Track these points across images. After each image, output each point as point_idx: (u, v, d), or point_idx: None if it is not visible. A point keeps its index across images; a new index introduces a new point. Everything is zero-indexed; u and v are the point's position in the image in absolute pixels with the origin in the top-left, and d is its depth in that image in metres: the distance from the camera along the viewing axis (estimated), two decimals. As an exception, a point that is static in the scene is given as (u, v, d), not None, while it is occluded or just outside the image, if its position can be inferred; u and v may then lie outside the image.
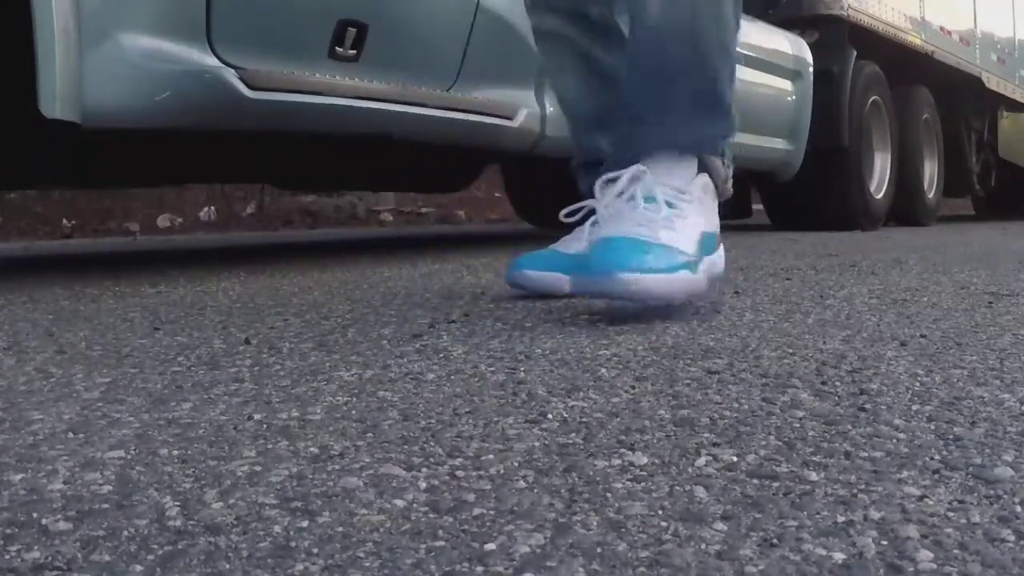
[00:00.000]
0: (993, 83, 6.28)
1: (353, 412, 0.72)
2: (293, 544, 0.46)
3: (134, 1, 1.64)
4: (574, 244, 1.35)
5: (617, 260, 1.07)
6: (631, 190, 1.17)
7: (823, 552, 0.45)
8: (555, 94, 1.54)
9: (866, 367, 0.88)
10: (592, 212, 1.27)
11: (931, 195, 5.53)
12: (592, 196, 1.25)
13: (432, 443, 0.64)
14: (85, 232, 5.36)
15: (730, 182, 1.29)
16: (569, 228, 1.37)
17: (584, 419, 0.69)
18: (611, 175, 1.21)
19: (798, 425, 0.67)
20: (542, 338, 1.06)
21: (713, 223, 1.25)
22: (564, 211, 1.30)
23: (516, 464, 0.59)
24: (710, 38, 1.25)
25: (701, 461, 0.59)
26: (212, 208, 6.00)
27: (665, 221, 1.14)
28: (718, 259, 1.29)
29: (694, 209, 1.19)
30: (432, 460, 0.60)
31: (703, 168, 1.25)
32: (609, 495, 0.53)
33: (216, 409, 0.74)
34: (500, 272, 1.37)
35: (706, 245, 1.21)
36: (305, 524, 0.49)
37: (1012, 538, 0.46)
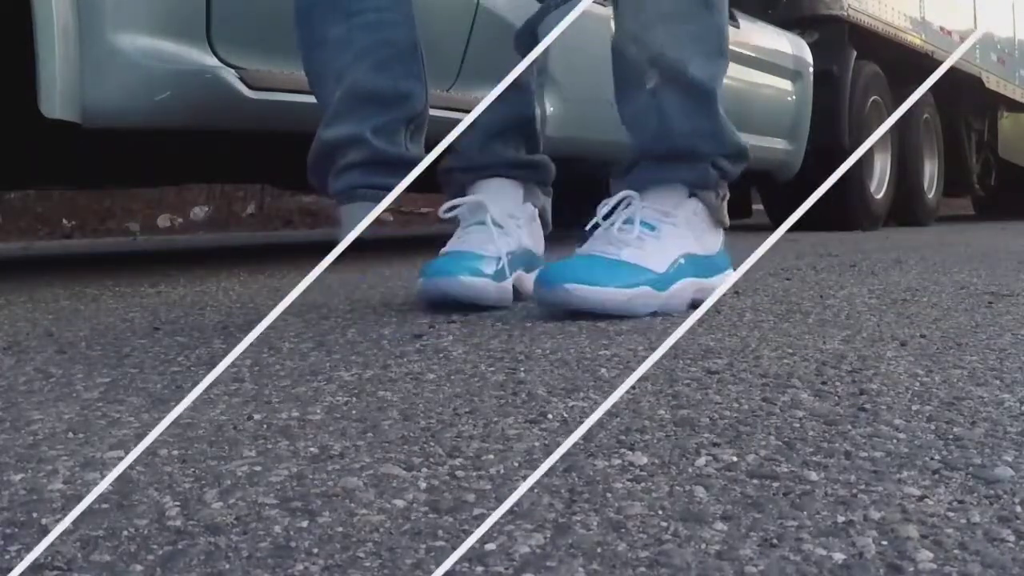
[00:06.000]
0: (993, 83, 6.27)
1: (353, 412, 0.72)
2: (293, 544, 0.46)
3: (134, 1, 1.64)
4: (481, 246, 1.32)
5: (568, 274, 1.18)
6: (617, 213, 1.25)
7: (823, 552, 0.45)
8: None
9: (866, 367, 0.88)
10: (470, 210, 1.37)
11: (931, 195, 5.53)
12: (464, 195, 1.38)
13: (432, 443, 0.64)
14: (85, 232, 5.36)
15: (722, 213, 1.33)
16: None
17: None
18: (607, 200, 1.27)
19: (798, 425, 0.67)
20: (542, 338, 1.06)
21: (707, 246, 1.31)
22: (443, 208, 1.39)
23: (516, 464, 0.59)
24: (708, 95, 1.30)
25: (701, 461, 0.59)
26: (207, 208, 5.99)
27: (636, 241, 1.22)
28: (713, 282, 1.31)
29: (678, 232, 1.26)
30: (432, 460, 0.60)
31: (695, 194, 1.29)
32: (609, 495, 0.53)
33: (216, 409, 0.74)
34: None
35: (691, 267, 1.27)
36: (305, 524, 0.49)
37: (1012, 538, 0.46)
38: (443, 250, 1.33)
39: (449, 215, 1.38)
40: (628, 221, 1.23)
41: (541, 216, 1.46)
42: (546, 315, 1.23)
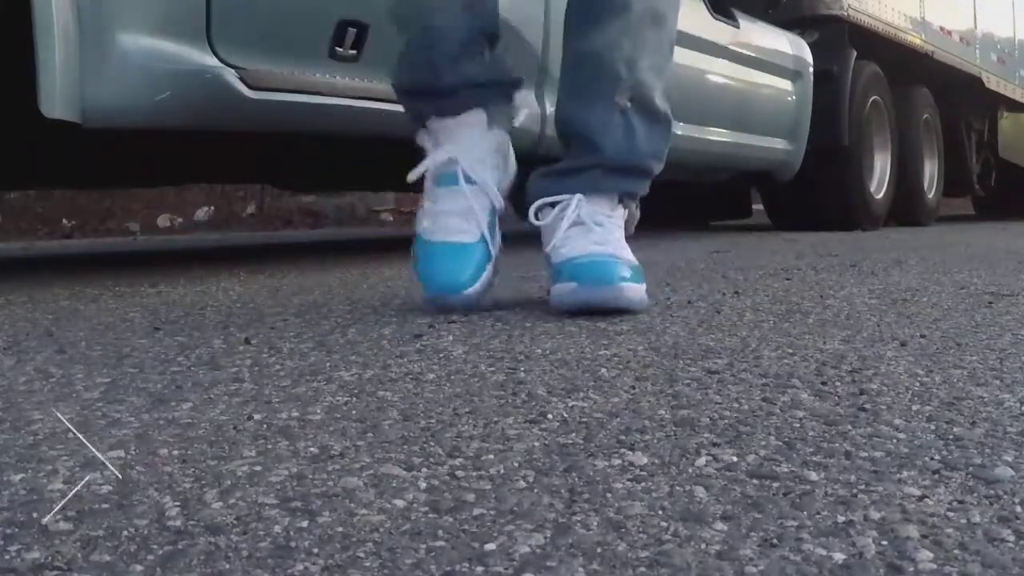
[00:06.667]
0: (993, 83, 6.27)
1: (353, 412, 0.72)
2: (293, 544, 0.46)
3: (134, 1, 1.64)
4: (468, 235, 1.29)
5: (612, 274, 1.21)
6: (577, 215, 1.28)
7: (823, 552, 0.45)
8: (410, 19, 1.36)
9: (866, 367, 0.88)
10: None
11: (931, 195, 5.52)
12: (424, 129, 1.34)
13: (432, 443, 0.64)
14: (85, 232, 5.36)
15: (634, 224, 1.41)
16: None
17: (584, 419, 0.69)
18: (551, 199, 1.31)
19: (798, 425, 0.67)
20: (542, 338, 1.06)
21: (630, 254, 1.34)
22: (411, 174, 1.33)
23: (516, 464, 0.59)
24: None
25: (701, 461, 0.59)
26: (211, 208, 5.99)
27: (621, 241, 1.29)
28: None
29: (618, 235, 1.31)
30: (432, 460, 0.60)
31: (623, 202, 1.36)
32: (609, 495, 0.53)
33: (216, 409, 0.74)
34: (500, 272, 1.35)
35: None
36: (305, 524, 0.49)
37: (1012, 538, 0.46)
38: (424, 226, 1.29)
39: (416, 177, 1.33)
40: (598, 224, 1.27)
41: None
42: (546, 315, 1.23)
